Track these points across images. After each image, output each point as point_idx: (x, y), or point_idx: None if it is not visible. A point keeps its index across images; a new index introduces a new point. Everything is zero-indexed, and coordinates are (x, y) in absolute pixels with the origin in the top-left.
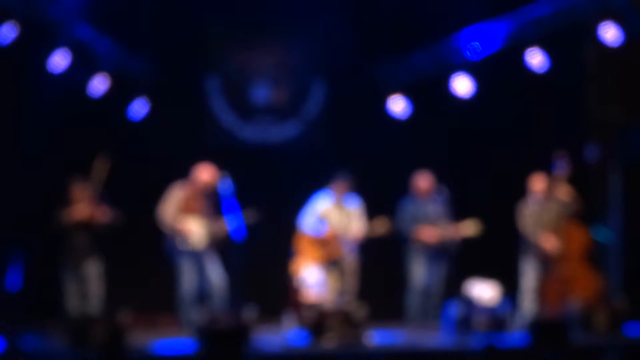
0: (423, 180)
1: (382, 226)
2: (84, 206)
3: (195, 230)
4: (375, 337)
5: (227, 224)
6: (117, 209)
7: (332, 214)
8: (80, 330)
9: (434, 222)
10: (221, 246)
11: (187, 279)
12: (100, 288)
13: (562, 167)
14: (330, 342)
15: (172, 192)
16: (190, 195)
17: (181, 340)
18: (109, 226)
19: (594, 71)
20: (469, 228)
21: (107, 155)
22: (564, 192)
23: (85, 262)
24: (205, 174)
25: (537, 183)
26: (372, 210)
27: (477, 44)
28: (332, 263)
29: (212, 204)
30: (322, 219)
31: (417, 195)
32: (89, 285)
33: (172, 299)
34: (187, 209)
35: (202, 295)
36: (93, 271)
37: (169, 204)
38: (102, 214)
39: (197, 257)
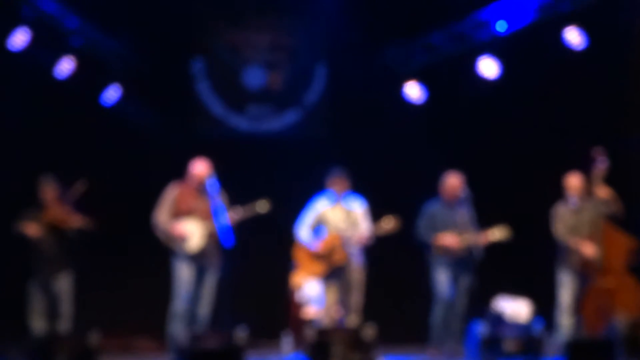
0: (454, 182)
1: (389, 223)
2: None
3: (191, 231)
4: None
5: (217, 227)
6: (86, 213)
7: (333, 217)
8: (44, 352)
9: (461, 230)
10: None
11: (185, 289)
12: (70, 306)
13: (601, 164)
14: None
15: (168, 193)
16: (185, 194)
17: None
18: (82, 231)
19: (638, 53)
20: (497, 234)
21: (86, 181)
22: (602, 192)
23: (56, 276)
24: (199, 169)
25: (573, 182)
26: (382, 212)
27: (504, 19)
28: (335, 272)
29: (208, 203)
30: (320, 225)
31: (444, 199)
32: (59, 303)
33: (151, 319)
34: (183, 209)
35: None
36: (65, 287)
37: (165, 206)
38: (75, 218)
39: (198, 265)
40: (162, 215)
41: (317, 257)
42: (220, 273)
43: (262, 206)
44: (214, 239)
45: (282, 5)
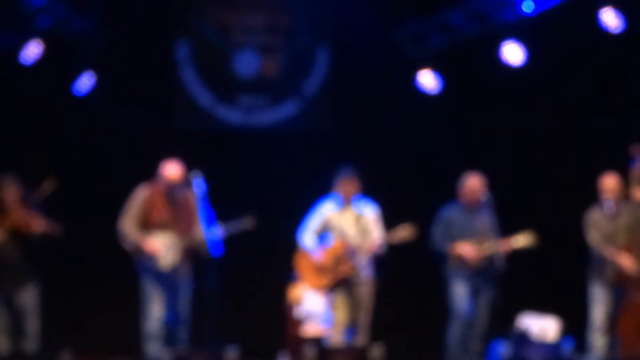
0: (474, 184)
1: (404, 231)
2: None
3: (163, 246)
4: None
5: (203, 236)
6: (54, 218)
7: (341, 222)
8: None
9: (481, 238)
10: (196, 261)
11: (156, 306)
12: (37, 322)
13: (639, 164)
14: None
15: (135, 198)
16: (156, 200)
17: None
18: (49, 238)
19: None
20: (521, 241)
21: (55, 179)
22: None
23: (20, 289)
24: (170, 171)
25: (609, 184)
26: (391, 216)
27: (531, 1)
28: (341, 285)
29: (185, 213)
30: (327, 231)
31: (462, 203)
32: (24, 320)
33: (129, 337)
34: (155, 220)
35: (168, 328)
36: (30, 301)
37: (132, 212)
38: (40, 223)
39: (168, 281)
40: (128, 223)
41: (322, 267)
42: (194, 282)
43: (248, 223)
44: (188, 252)
45: None
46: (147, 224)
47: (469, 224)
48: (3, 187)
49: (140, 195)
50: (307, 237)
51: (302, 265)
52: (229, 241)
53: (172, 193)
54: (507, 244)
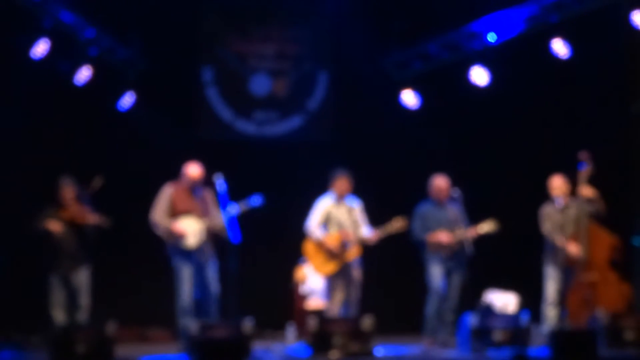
0: (440, 183)
1: (398, 222)
2: (73, 210)
3: (189, 229)
4: (383, 350)
5: (223, 222)
6: (102, 212)
7: (338, 215)
8: (63, 343)
9: (451, 228)
10: (218, 247)
11: (188, 285)
12: (88, 298)
13: (585, 166)
14: (335, 355)
15: (163, 193)
16: (180, 193)
17: (174, 356)
18: (99, 228)
19: (631, 60)
20: (485, 227)
21: (102, 177)
22: (586, 192)
23: (76, 271)
24: (192, 171)
25: (556, 183)
26: (381, 211)
27: (494, 31)
28: (342, 270)
29: (204, 203)
30: (326, 222)
31: (434, 199)
32: (78, 296)
33: (164, 311)
34: (181, 208)
35: (197, 303)
36: (83, 281)
37: (161, 205)
38: (92, 216)
39: (196, 261)
40: (158, 214)
41: (331, 253)
42: (218, 261)
43: (255, 200)
44: (209, 234)
45: (287, 14)
46: (174, 213)
47: (441, 216)
48: (62, 186)
49: (167, 191)
50: (313, 227)
51: (310, 253)
52: (250, 225)
53: (194, 188)
54: (473, 231)
